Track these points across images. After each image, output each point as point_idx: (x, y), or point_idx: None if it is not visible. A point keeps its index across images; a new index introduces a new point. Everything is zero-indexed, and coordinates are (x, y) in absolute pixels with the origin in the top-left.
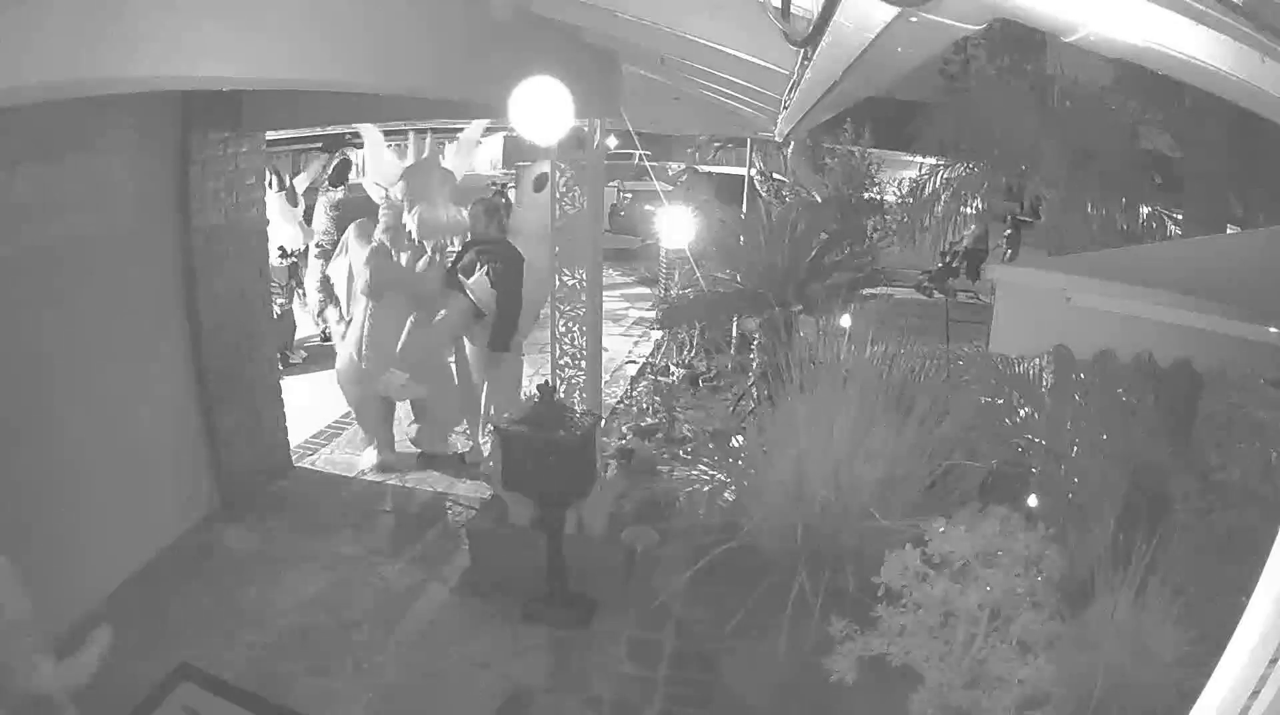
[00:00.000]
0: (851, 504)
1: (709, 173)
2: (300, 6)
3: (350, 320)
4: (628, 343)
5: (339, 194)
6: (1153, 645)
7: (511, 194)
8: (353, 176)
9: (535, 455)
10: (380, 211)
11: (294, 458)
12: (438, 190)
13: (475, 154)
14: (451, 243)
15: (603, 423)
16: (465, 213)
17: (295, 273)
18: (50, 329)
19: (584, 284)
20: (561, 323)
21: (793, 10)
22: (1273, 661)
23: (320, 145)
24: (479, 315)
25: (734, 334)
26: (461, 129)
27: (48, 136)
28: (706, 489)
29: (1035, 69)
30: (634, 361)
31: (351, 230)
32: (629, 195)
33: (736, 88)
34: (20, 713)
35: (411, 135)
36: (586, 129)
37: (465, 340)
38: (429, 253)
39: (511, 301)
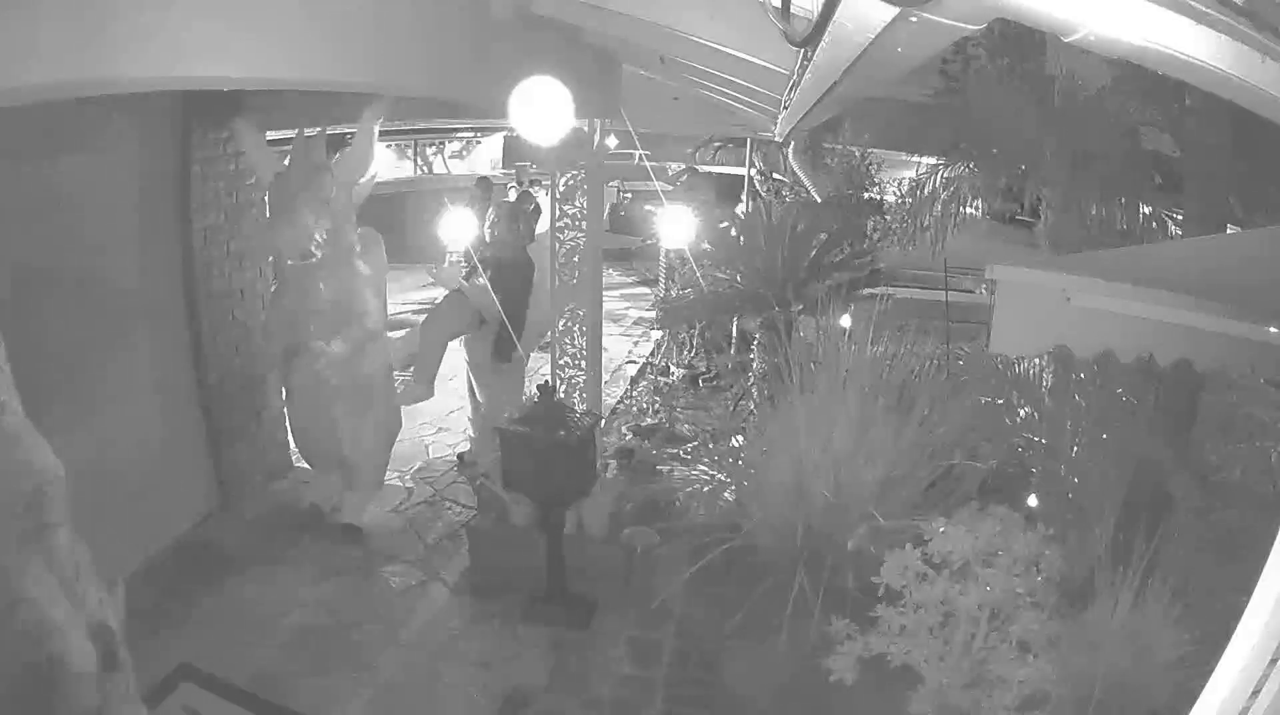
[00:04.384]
0: (851, 504)
1: (709, 173)
2: (300, 7)
3: None
4: (628, 343)
5: None
6: (1153, 645)
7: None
8: None
9: (535, 455)
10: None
11: (294, 458)
12: (301, 200)
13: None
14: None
15: (603, 423)
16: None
17: None
18: (50, 328)
19: (584, 284)
20: (561, 323)
21: (793, 10)
22: (1273, 661)
23: None
24: (481, 321)
25: (734, 334)
26: (458, 129)
27: (48, 137)
28: (706, 489)
29: (1035, 69)
30: (634, 361)
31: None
32: (629, 195)
33: (736, 88)
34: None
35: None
36: (586, 129)
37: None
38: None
39: (515, 310)
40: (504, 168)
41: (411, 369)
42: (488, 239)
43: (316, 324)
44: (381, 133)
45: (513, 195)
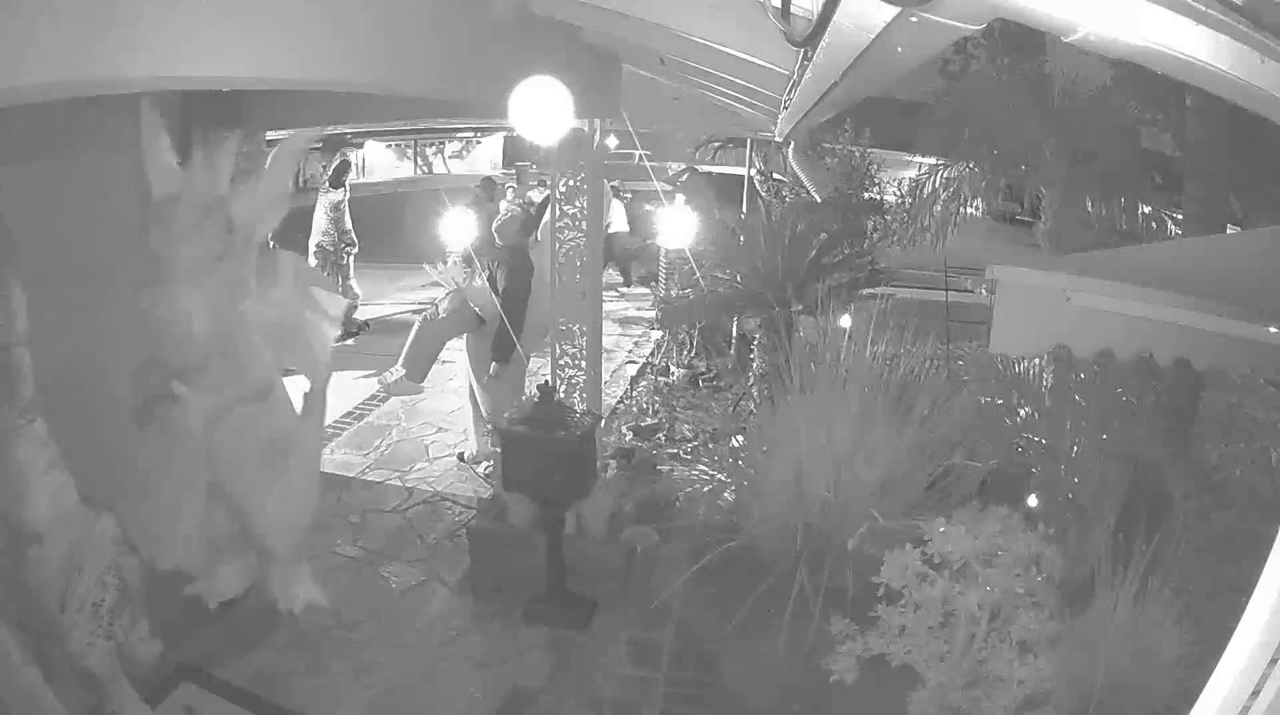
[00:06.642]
0: (851, 504)
1: (709, 173)
2: (302, 6)
3: None
4: (628, 343)
5: (339, 195)
6: (1153, 645)
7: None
8: (352, 177)
9: (535, 455)
10: None
11: None
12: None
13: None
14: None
15: (603, 423)
16: None
17: None
18: (49, 328)
19: (584, 284)
20: (562, 323)
21: (793, 10)
22: (1273, 661)
23: (320, 145)
24: (480, 321)
25: (734, 334)
26: (458, 129)
27: (47, 136)
28: (706, 489)
29: (1035, 69)
30: (634, 361)
31: None
32: (629, 195)
33: (736, 88)
34: (64, 682)
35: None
36: (586, 129)
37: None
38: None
39: (515, 310)
40: (504, 168)
41: (402, 360)
42: (497, 241)
43: (188, 378)
44: (381, 133)
45: (510, 195)
